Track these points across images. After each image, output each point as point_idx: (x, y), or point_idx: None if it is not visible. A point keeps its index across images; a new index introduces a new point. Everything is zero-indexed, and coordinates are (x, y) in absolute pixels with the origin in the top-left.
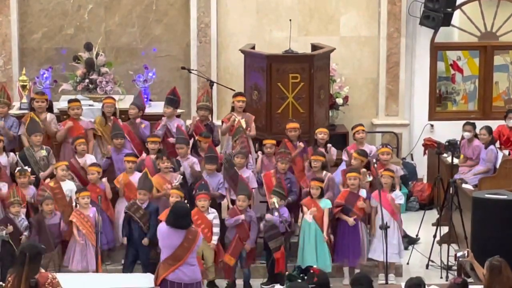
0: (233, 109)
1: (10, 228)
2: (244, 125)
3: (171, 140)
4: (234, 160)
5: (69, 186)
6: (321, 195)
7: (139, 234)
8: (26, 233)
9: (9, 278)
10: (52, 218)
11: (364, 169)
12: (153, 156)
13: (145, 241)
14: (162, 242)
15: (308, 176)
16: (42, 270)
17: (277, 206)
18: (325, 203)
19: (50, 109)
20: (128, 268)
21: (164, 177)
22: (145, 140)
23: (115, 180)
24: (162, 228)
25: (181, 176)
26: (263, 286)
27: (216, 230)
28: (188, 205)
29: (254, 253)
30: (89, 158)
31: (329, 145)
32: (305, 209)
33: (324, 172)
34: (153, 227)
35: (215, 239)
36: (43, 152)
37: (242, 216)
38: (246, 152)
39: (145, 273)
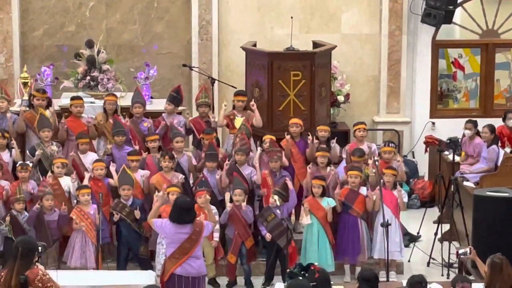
0: (234, 107)
1: (7, 219)
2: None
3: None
4: (235, 158)
5: (67, 182)
6: (323, 194)
7: (128, 232)
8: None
9: (2, 273)
10: (51, 214)
11: (370, 161)
12: (154, 155)
13: (137, 213)
14: (169, 239)
15: (311, 172)
16: (40, 267)
17: (278, 204)
18: (327, 202)
19: (48, 106)
20: (121, 266)
21: (165, 176)
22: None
23: None
24: (168, 225)
25: (183, 176)
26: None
27: (216, 227)
28: (189, 199)
29: (254, 251)
30: (91, 156)
31: (333, 140)
32: (302, 212)
33: (328, 168)
34: (142, 221)
35: (216, 236)
36: (54, 147)
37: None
38: (246, 149)
39: (144, 269)
